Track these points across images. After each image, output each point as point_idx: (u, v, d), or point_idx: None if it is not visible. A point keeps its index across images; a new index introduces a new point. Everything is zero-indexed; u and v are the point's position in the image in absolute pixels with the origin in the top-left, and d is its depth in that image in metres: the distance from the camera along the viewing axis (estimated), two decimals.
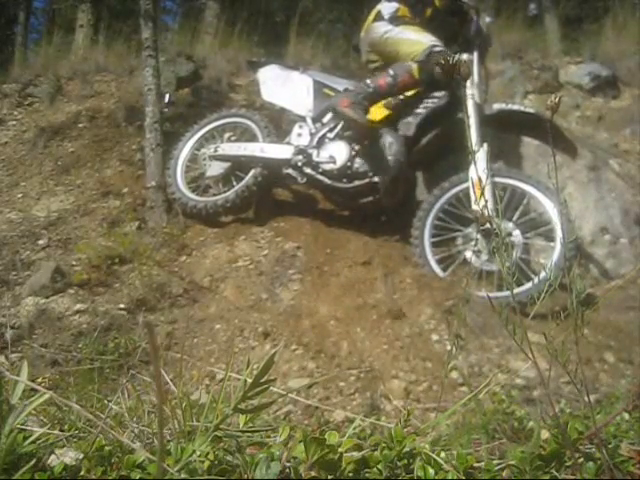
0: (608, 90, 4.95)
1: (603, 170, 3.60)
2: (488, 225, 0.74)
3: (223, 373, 2.02)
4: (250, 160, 3.49)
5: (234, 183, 3.57)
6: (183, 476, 0.61)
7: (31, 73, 5.14)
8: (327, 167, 3.31)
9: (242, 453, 0.66)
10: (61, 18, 8.17)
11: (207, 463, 0.63)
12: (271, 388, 0.67)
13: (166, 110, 4.23)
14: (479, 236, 2.91)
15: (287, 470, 0.64)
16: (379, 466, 0.66)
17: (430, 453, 0.67)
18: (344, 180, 3.30)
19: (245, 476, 0.63)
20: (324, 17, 8.16)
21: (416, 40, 3.20)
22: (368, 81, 3.23)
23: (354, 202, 3.42)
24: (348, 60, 5.58)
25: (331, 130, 3.39)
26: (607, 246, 3.30)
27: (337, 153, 3.29)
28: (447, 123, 3.20)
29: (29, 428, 0.74)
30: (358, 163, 3.27)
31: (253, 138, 3.62)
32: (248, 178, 3.48)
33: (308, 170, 3.35)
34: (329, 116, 3.44)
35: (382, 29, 3.35)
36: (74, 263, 3.05)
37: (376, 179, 3.22)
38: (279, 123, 3.79)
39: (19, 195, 3.79)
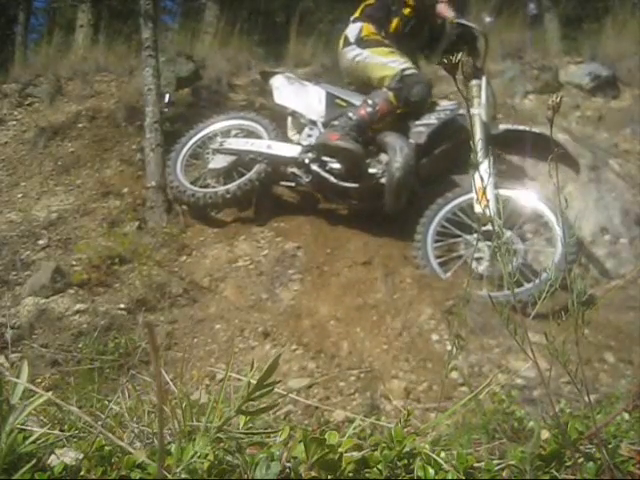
0: (608, 90, 4.95)
1: (603, 170, 3.60)
2: (489, 227, 0.74)
3: (223, 373, 2.02)
4: (256, 155, 3.49)
5: (236, 178, 3.57)
6: (183, 476, 0.61)
7: (31, 73, 5.14)
8: (335, 165, 3.32)
9: (242, 453, 0.66)
10: (61, 18, 8.17)
11: (207, 463, 0.63)
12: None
13: (166, 110, 4.23)
14: (481, 243, 2.92)
15: (287, 470, 0.64)
16: (379, 466, 0.66)
17: (430, 453, 0.67)
18: (350, 180, 3.31)
19: (245, 476, 0.63)
20: (324, 17, 8.16)
21: (386, 64, 3.28)
22: (350, 114, 3.30)
23: (357, 203, 3.42)
24: None
25: None
26: (607, 246, 3.30)
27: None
28: (458, 139, 3.21)
29: (29, 428, 0.74)
30: (367, 164, 3.29)
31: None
32: (252, 173, 3.48)
33: (315, 167, 3.35)
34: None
35: (351, 54, 3.44)
36: (74, 263, 3.05)
37: (383, 181, 3.22)
38: (285, 128, 3.78)
39: (19, 195, 3.79)
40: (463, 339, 2.38)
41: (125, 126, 4.35)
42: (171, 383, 1.00)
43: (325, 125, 3.47)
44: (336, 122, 3.36)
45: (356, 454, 0.68)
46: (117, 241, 3.17)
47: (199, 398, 1.61)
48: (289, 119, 3.67)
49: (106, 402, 1.16)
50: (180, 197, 3.53)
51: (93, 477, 0.65)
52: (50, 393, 0.75)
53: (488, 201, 2.74)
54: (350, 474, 0.65)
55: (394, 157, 3.16)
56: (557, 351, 0.66)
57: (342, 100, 3.56)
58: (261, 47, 6.15)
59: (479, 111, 3.12)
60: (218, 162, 3.61)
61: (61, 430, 0.87)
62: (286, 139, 3.61)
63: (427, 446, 0.69)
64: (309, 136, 3.48)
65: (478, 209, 2.86)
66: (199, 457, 0.63)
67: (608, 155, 3.83)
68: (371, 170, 3.28)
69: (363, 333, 2.48)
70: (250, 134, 3.71)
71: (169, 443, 0.71)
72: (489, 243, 2.84)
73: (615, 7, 5.93)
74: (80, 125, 4.40)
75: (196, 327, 2.61)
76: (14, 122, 4.61)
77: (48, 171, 4.01)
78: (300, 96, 3.62)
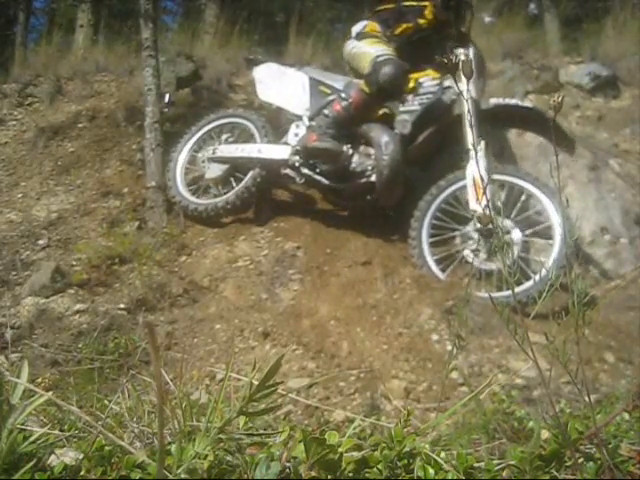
0: (608, 90, 4.94)
1: (603, 170, 3.60)
2: (490, 226, 0.74)
3: (223, 373, 2.02)
4: (248, 161, 3.49)
5: (233, 184, 3.57)
6: (183, 476, 0.61)
7: (31, 73, 5.14)
8: (324, 167, 3.31)
9: (242, 453, 0.66)
10: (61, 18, 8.16)
11: (207, 463, 0.63)
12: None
13: (166, 110, 4.23)
14: (477, 236, 2.91)
15: (287, 470, 0.64)
16: (379, 466, 0.66)
17: (430, 453, 0.67)
18: (341, 180, 3.30)
19: (245, 476, 0.63)
20: (323, 16, 8.16)
21: (368, 52, 3.22)
22: (326, 111, 3.31)
23: (352, 202, 3.42)
24: None
25: None
26: (607, 246, 3.30)
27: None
28: (444, 120, 3.18)
29: (29, 428, 0.74)
30: (355, 163, 3.26)
31: (251, 138, 3.63)
32: (247, 179, 3.48)
33: (305, 170, 3.35)
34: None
35: (349, 47, 3.45)
36: (74, 263, 3.05)
37: (373, 178, 3.20)
38: (277, 122, 3.78)
39: (19, 195, 3.79)
40: (463, 339, 2.38)
41: (125, 126, 4.35)
42: (171, 383, 1.00)
43: (311, 119, 3.46)
44: (314, 122, 3.37)
45: (356, 454, 0.68)
46: (117, 241, 3.17)
47: (199, 398, 1.62)
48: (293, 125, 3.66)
49: (106, 402, 1.16)
50: (183, 211, 3.56)
51: (93, 477, 0.65)
52: (50, 393, 0.75)
53: (488, 201, 2.75)
54: (350, 474, 0.65)
55: (380, 155, 3.12)
56: (557, 351, 0.66)
57: (326, 86, 3.53)
58: (261, 47, 6.15)
59: (468, 87, 3.07)
60: (213, 171, 3.63)
61: (61, 430, 0.87)
62: (276, 136, 3.59)
63: (427, 446, 0.69)
64: (296, 135, 3.46)
65: (474, 206, 2.83)
66: (199, 457, 0.63)
67: (608, 155, 3.83)
68: (359, 168, 3.24)
69: (363, 333, 2.48)
70: (242, 132, 3.71)
71: (169, 443, 0.71)
72: (488, 239, 2.83)
73: (615, 7, 5.93)
74: (80, 125, 4.40)
75: (196, 327, 2.61)
76: (14, 122, 4.61)
77: (48, 171, 4.01)
78: (284, 88, 3.60)
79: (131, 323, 2.59)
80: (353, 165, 3.26)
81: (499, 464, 0.69)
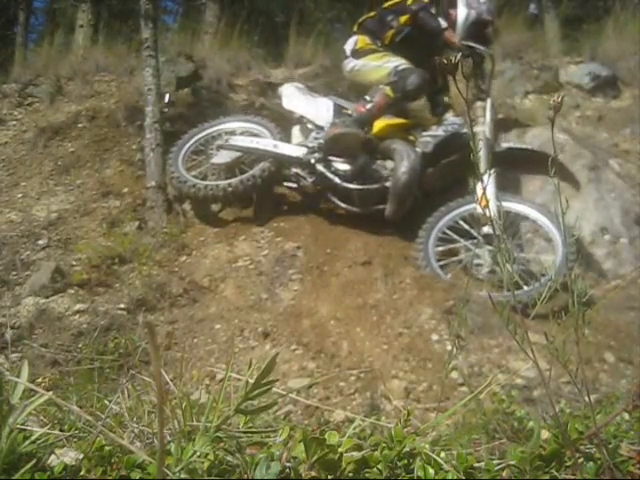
0: (608, 90, 4.94)
1: (603, 170, 3.60)
2: (490, 230, 0.74)
3: (223, 373, 2.02)
4: (262, 153, 3.52)
5: (237, 174, 3.57)
6: (183, 476, 0.61)
7: (31, 73, 5.13)
8: (341, 166, 3.37)
9: (242, 453, 0.66)
10: (61, 18, 8.16)
11: (207, 463, 0.63)
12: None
13: (166, 110, 4.23)
14: (481, 249, 2.93)
15: (287, 470, 0.64)
16: (379, 466, 0.66)
17: (430, 453, 0.67)
18: (355, 182, 3.34)
19: (245, 476, 0.63)
20: (323, 16, 8.16)
21: (380, 66, 3.45)
22: (350, 111, 3.49)
23: (360, 208, 3.41)
24: None
25: None
26: (607, 246, 3.30)
27: (354, 155, 3.37)
28: (464, 153, 3.22)
29: (29, 428, 0.74)
30: (373, 167, 3.36)
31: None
32: (256, 169, 3.50)
33: (320, 167, 3.39)
34: None
35: (349, 66, 3.64)
36: (74, 263, 3.05)
37: (388, 184, 3.26)
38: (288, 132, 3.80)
39: (19, 195, 3.79)
40: (463, 339, 2.39)
41: (125, 126, 4.35)
42: (171, 383, 1.00)
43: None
44: (337, 120, 3.46)
45: (356, 454, 0.68)
46: (117, 241, 3.17)
47: (199, 398, 1.61)
48: (295, 128, 3.70)
49: (106, 402, 1.16)
50: (180, 188, 3.51)
51: (93, 477, 0.65)
52: (50, 393, 0.75)
53: (488, 201, 2.76)
54: (350, 474, 0.65)
55: (401, 161, 3.22)
56: (557, 351, 0.66)
57: (348, 109, 3.64)
58: (261, 47, 6.15)
59: (483, 128, 3.20)
60: (221, 157, 3.63)
61: (61, 430, 0.86)
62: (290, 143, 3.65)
63: (427, 446, 0.69)
64: (315, 139, 3.52)
65: (479, 209, 2.88)
66: (199, 457, 0.63)
67: (608, 155, 3.83)
68: (376, 174, 3.34)
69: (363, 333, 2.48)
70: (255, 136, 3.73)
71: (169, 443, 0.71)
72: (490, 247, 2.86)
73: (615, 7, 5.93)
74: (80, 125, 4.40)
75: (196, 327, 2.61)
76: (14, 122, 4.60)
77: (48, 171, 4.01)
78: (309, 104, 3.70)
79: (131, 323, 2.59)
80: (370, 170, 3.35)
81: (499, 464, 0.68)
